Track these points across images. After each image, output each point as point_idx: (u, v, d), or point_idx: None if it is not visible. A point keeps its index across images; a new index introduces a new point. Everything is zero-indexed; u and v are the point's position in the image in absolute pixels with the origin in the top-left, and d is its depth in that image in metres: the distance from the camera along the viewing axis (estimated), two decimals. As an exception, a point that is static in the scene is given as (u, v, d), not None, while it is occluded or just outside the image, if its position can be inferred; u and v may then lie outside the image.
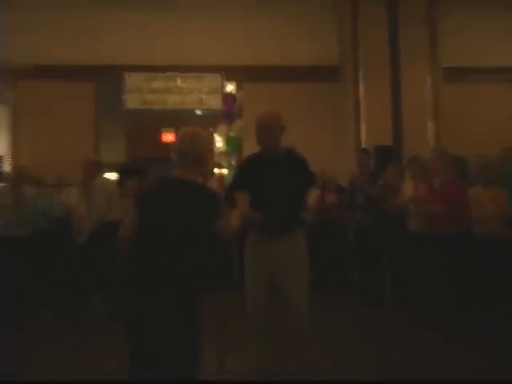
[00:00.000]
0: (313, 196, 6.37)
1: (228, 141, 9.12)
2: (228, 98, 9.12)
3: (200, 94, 9.00)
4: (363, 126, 8.27)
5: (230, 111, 9.17)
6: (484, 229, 4.94)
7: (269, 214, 3.01)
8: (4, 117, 8.70)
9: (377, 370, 3.70)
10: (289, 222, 3.20)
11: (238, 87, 9.26)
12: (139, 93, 8.90)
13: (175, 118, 10.21)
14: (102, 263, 5.18)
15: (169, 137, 10.81)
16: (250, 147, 8.34)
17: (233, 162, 9.10)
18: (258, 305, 3.20)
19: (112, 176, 10.09)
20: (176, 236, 2.23)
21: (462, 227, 4.60)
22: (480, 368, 3.69)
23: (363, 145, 7.98)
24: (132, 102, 8.93)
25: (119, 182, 8.75)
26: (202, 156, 2.42)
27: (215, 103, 9.01)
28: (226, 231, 2.39)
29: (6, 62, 8.26)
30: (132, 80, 8.89)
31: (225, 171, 9.38)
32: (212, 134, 9.88)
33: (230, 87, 9.25)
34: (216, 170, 9.45)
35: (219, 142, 9.85)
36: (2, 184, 6.96)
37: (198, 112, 9.47)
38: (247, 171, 3.35)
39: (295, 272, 3.15)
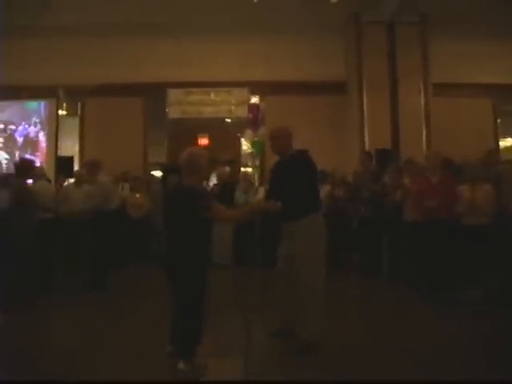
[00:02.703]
0: (324, 190, 6.52)
1: (253, 144, 9.21)
2: (253, 108, 9.09)
3: (229, 105, 9.03)
4: (366, 132, 8.22)
5: (254, 119, 9.24)
6: (471, 220, 4.72)
7: (282, 204, 3.25)
8: (75, 127, 9.03)
9: (373, 323, 3.99)
10: (296, 211, 3.29)
11: (261, 99, 9.25)
12: (179, 105, 8.99)
13: (209, 125, 10.35)
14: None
15: (203, 141, 10.93)
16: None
17: (257, 163, 9.20)
18: (280, 269, 3.45)
19: (157, 173, 10.41)
20: (174, 222, 2.90)
21: (451, 217, 4.69)
22: (448, 319, 4.02)
23: (366, 148, 7.95)
24: (173, 112, 9.03)
25: (163, 178, 9.07)
26: (197, 168, 2.93)
27: (242, 113, 9.02)
28: (219, 217, 3.06)
29: (77, 82, 8.57)
30: (173, 94, 8.98)
31: (250, 170, 9.51)
32: (239, 139, 10.01)
33: (255, 99, 9.25)
34: (243, 169, 9.63)
35: (246, 146, 9.97)
36: (71, 180, 7.27)
37: (228, 120, 9.60)
38: (271, 176, 3.75)
39: (303, 250, 3.25)
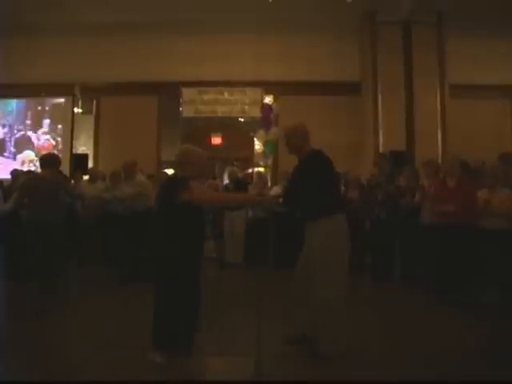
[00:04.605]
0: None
1: (265, 144, 9.10)
2: (265, 107, 8.91)
3: (243, 104, 8.97)
4: (381, 133, 8.09)
5: (266, 119, 9.12)
6: (489, 224, 4.60)
7: (297, 206, 3.18)
8: (90, 125, 9.06)
9: (384, 325, 3.95)
10: (310, 213, 3.09)
11: (275, 99, 9.14)
12: (193, 104, 8.95)
13: (222, 125, 10.30)
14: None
15: (216, 140, 10.88)
16: (285, 150, 8.50)
17: (269, 162, 9.08)
18: (298, 275, 3.19)
19: (170, 171, 10.38)
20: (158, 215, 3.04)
21: (468, 221, 4.57)
22: (462, 321, 3.97)
23: (380, 149, 7.82)
24: (187, 111, 8.99)
25: (175, 177, 8.98)
26: (187, 161, 2.99)
27: (256, 112, 8.90)
28: (199, 198, 2.91)
29: (92, 81, 8.62)
30: (187, 93, 8.94)
31: (261, 169, 9.39)
32: (253, 139, 9.89)
33: (268, 99, 9.11)
34: (256, 169, 9.53)
35: (258, 145, 9.86)
36: (86, 177, 7.29)
37: (241, 119, 9.53)
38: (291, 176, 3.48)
39: (316, 257, 3.02)
